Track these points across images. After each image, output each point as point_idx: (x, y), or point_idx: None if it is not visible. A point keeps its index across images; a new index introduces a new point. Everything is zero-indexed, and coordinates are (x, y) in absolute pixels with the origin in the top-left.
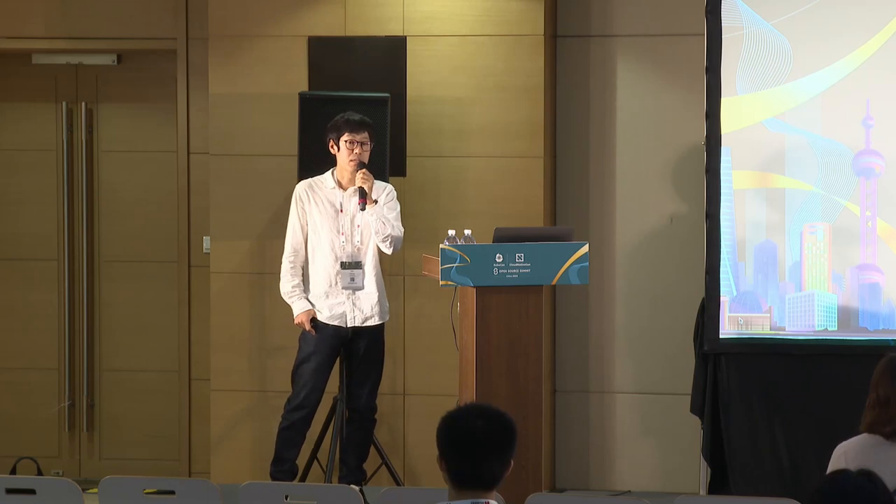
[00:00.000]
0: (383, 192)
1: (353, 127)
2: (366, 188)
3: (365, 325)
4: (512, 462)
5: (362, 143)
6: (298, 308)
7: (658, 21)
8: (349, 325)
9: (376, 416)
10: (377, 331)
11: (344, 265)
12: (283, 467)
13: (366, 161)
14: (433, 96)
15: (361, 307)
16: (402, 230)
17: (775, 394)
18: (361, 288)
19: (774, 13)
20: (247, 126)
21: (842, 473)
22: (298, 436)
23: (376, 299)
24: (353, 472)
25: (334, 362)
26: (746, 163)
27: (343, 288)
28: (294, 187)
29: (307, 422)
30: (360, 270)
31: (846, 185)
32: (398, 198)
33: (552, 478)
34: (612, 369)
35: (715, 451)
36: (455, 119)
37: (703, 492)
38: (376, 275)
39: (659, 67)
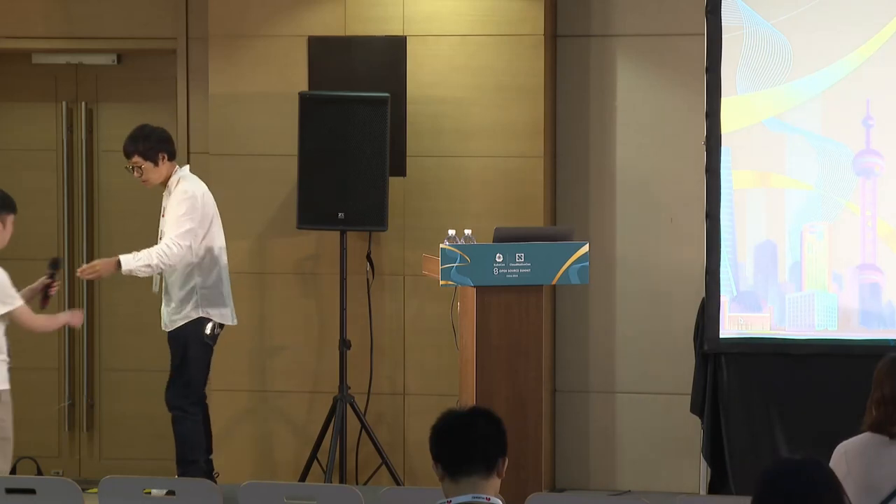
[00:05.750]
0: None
1: (124, 155)
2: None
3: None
4: (506, 459)
5: (134, 168)
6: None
7: (658, 21)
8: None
9: (177, 413)
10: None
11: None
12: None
13: (148, 179)
14: (433, 96)
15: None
16: (178, 246)
17: (775, 394)
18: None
19: (774, 13)
20: (247, 126)
21: (787, 459)
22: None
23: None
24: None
25: None
26: (746, 163)
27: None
28: (293, 187)
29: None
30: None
31: (846, 185)
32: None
33: (552, 478)
34: (612, 369)
35: (715, 451)
36: (455, 119)
37: (703, 492)
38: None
39: (659, 67)
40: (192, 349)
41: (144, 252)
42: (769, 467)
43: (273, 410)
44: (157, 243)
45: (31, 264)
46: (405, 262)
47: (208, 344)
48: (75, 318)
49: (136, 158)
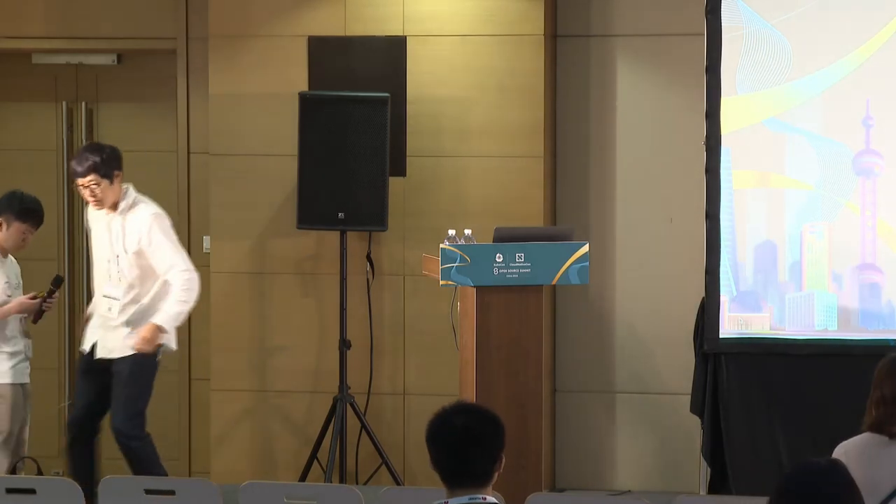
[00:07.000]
0: (145, 234)
1: (76, 175)
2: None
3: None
4: (503, 458)
5: (88, 188)
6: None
7: (658, 21)
8: None
9: (135, 443)
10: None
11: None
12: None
13: (104, 199)
14: (433, 96)
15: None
16: (182, 266)
17: (775, 394)
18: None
19: (774, 13)
20: (247, 126)
21: (808, 462)
22: None
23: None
24: None
25: None
26: (746, 163)
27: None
28: (293, 187)
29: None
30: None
31: (846, 185)
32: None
33: (552, 478)
34: (612, 369)
35: (715, 451)
36: (455, 119)
37: (703, 492)
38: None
39: (659, 67)
40: (147, 376)
41: (170, 305)
42: (790, 470)
43: (273, 410)
44: (102, 266)
45: (30, 264)
46: (405, 262)
47: (156, 368)
48: (22, 306)
49: (93, 177)
